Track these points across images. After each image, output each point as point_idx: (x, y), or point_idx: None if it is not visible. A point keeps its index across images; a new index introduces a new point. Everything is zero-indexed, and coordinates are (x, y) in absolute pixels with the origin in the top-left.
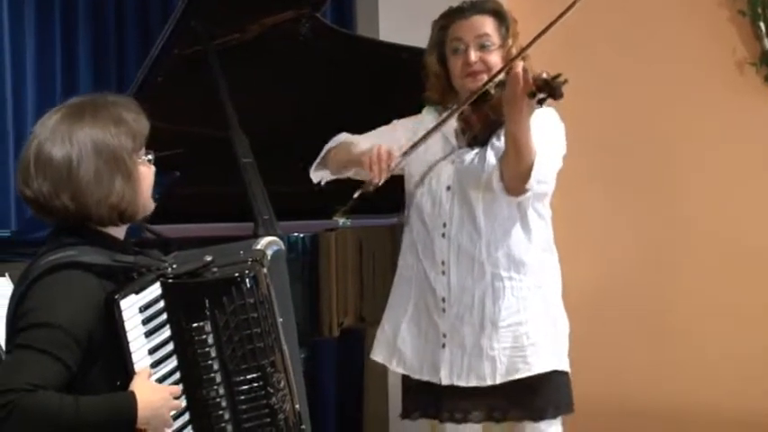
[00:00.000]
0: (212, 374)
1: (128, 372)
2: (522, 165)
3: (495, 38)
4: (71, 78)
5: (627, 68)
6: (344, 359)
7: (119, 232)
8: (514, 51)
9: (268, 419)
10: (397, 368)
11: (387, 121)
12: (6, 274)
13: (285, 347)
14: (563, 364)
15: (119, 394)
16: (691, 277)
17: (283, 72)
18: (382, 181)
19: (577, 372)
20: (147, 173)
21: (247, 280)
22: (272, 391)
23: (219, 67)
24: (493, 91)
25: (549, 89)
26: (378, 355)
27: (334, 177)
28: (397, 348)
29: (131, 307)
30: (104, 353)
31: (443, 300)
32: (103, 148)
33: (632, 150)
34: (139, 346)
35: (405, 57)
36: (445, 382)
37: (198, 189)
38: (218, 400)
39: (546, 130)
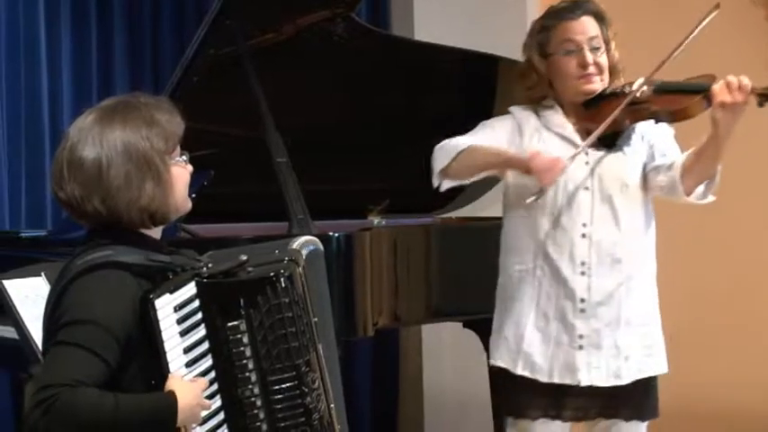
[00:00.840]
0: (247, 374)
1: (162, 371)
2: (713, 173)
3: (601, 40)
4: (107, 78)
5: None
6: (379, 359)
7: (154, 232)
8: (614, 51)
9: (302, 419)
10: (523, 372)
11: (422, 121)
12: (42, 274)
13: (320, 347)
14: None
15: (159, 394)
16: None
17: (318, 72)
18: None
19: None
20: (181, 174)
21: (282, 279)
22: (306, 390)
23: (254, 67)
24: (639, 94)
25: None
26: (499, 360)
27: (456, 184)
28: (523, 352)
29: (166, 306)
30: (141, 352)
31: (582, 300)
32: (134, 150)
33: None
34: (174, 345)
35: (440, 57)
36: (585, 383)
37: (233, 188)
38: (252, 399)
39: (671, 136)
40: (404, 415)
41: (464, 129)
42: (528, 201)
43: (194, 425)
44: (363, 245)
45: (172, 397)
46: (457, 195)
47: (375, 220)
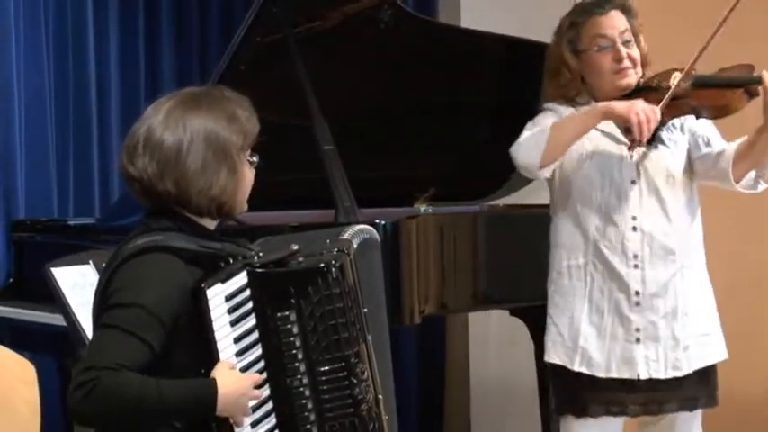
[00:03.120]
0: (296, 364)
1: (213, 360)
2: (766, 159)
3: (631, 33)
4: (154, 66)
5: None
6: (426, 347)
7: (209, 224)
8: (642, 43)
9: (351, 409)
10: (579, 368)
11: (468, 109)
12: (90, 262)
13: (369, 338)
14: None
15: (201, 380)
16: None
17: (364, 59)
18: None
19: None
20: (248, 174)
21: (333, 270)
22: (355, 381)
23: (301, 54)
24: (683, 87)
25: None
26: (554, 357)
27: (556, 165)
28: (579, 347)
29: (217, 296)
30: (190, 339)
31: (637, 293)
32: (214, 139)
33: None
34: (225, 335)
35: (487, 44)
36: (644, 376)
37: (279, 176)
38: (301, 389)
39: (712, 126)
40: (450, 403)
41: (510, 116)
42: (630, 154)
43: (242, 416)
44: (410, 232)
45: (212, 384)
46: (503, 183)
47: (421, 208)
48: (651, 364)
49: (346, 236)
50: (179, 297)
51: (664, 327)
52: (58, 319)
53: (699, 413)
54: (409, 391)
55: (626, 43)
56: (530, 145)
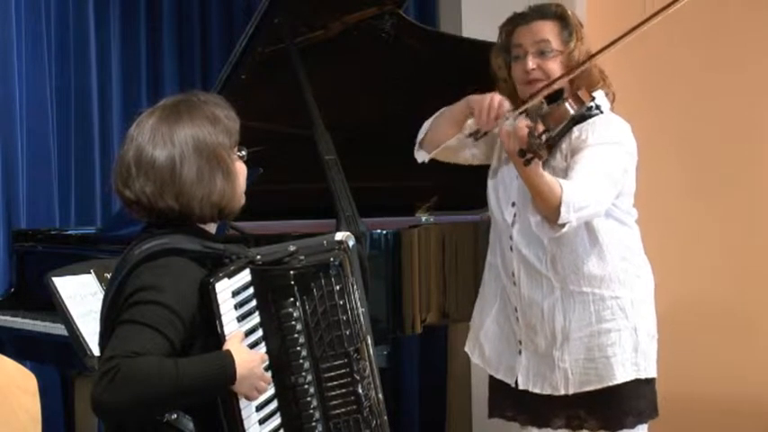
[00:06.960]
0: (300, 361)
1: None
2: (547, 206)
3: (555, 44)
4: (156, 77)
5: (710, 73)
6: (428, 356)
7: (210, 227)
8: (576, 55)
9: (354, 406)
10: (477, 360)
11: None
12: (92, 271)
13: (369, 337)
14: (645, 372)
15: (216, 353)
16: None
17: (366, 69)
18: (491, 130)
19: (665, 376)
20: (241, 169)
21: (333, 267)
22: (357, 378)
23: (302, 64)
24: (546, 106)
25: (531, 150)
26: (466, 344)
27: (432, 156)
28: (479, 341)
29: (225, 291)
30: (202, 336)
31: (516, 309)
32: (203, 146)
33: (715, 155)
34: (234, 329)
35: (488, 54)
36: (521, 386)
37: (281, 186)
38: (306, 386)
39: (595, 147)
40: (452, 409)
41: None
42: (464, 133)
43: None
44: (412, 242)
45: (229, 356)
46: None
47: (423, 218)
48: (530, 376)
49: (340, 238)
50: (195, 295)
51: (542, 345)
52: (59, 329)
53: None
54: (411, 400)
55: (541, 54)
56: (421, 128)
